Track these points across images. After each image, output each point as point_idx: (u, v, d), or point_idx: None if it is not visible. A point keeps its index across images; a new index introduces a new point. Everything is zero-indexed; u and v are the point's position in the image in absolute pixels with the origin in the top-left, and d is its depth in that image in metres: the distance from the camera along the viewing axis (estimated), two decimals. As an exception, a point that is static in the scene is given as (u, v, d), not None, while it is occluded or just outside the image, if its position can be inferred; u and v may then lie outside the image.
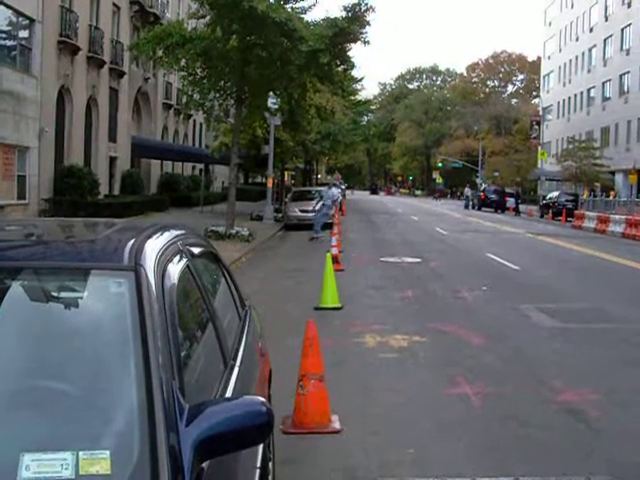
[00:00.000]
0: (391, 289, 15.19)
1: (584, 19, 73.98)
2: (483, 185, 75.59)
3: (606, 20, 67.61)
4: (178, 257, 3.21)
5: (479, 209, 62.59)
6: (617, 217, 37.52)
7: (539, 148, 74.52)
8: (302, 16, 24.92)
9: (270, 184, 35.83)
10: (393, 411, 7.01)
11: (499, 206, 61.41)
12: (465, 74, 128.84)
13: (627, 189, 55.29)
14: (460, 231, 33.67)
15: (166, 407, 2.25)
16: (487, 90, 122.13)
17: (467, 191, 72.53)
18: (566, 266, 20.90)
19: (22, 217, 23.28)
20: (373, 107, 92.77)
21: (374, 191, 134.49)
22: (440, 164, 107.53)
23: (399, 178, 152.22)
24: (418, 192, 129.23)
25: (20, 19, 26.59)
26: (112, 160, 37.20)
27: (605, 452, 6.01)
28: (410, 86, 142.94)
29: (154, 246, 2.99)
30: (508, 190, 66.89)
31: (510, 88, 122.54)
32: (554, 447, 6.08)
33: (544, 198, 57.09)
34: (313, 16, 46.85)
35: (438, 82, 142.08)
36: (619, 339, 10.58)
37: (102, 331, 2.54)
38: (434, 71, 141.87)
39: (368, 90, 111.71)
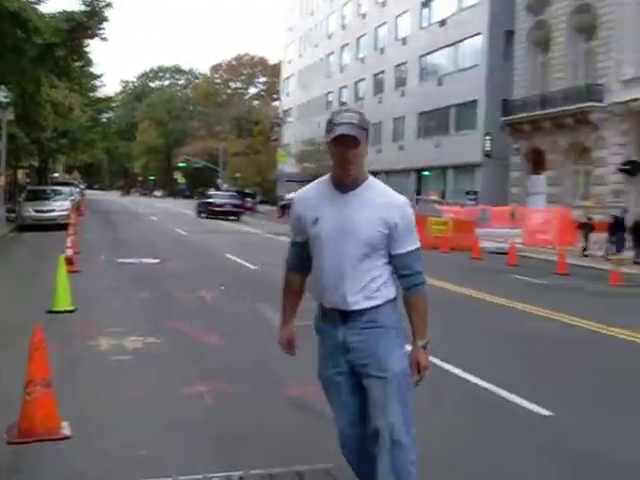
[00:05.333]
0: (128, 290, 14.98)
1: (322, 27, 77.03)
2: (224, 185, 76.34)
3: (343, 29, 70.93)
4: None
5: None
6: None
7: (279, 150, 76.54)
8: (36, 7, 24.02)
9: (2, 183, 34.32)
10: (126, 413, 6.93)
11: (235, 213, 52.24)
12: (209, 75, 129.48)
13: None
14: (200, 232, 33.93)
15: None
16: (230, 91, 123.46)
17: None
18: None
19: None
20: (114, 105, 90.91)
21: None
22: (182, 164, 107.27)
23: (140, 178, 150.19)
24: (158, 193, 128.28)
25: None
26: None
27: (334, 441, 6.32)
28: (153, 85, 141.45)
29: None
30: (248, 191, 68.03)
31: (252, 90, 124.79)
32: (285, 440, 6.32)
33: (282, 199, 58.71)
34: (49, 8, 45.23)
35: (181, 82, 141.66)
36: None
37: None
38: (177, 70, 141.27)
39: (109, 87, 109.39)
